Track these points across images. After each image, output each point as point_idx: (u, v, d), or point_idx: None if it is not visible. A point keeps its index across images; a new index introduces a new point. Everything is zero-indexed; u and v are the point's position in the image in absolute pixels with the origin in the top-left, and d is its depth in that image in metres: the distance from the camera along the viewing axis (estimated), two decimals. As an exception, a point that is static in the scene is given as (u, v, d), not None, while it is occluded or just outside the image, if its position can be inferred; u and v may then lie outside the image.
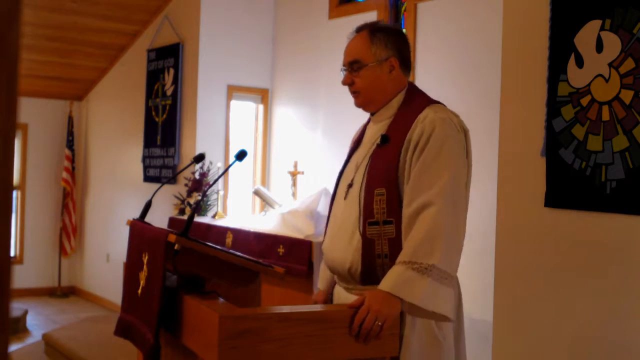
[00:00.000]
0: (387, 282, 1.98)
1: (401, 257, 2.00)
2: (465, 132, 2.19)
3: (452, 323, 2.18)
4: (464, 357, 2.29)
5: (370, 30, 2.26)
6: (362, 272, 2.15)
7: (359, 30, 2.29)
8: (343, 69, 2.30)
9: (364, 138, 2.35)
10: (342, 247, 2.21)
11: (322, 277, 2.45)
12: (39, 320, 6.88)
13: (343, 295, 2.24)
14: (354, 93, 2.29)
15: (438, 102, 2.26)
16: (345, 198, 2.26)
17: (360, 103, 2.31)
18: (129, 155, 7.11)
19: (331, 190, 2.48)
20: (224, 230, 4.84)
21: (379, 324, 1.91)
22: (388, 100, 2.27)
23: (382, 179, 2.14)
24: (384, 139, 2.20)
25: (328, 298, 2.40)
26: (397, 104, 2.26)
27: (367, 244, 2.13)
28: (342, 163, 2.42)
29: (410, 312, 2.02)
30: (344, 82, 2.29)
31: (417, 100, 2.24)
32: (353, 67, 2.25)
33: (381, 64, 2.23)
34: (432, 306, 1.96)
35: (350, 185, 2.25)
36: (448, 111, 2.20)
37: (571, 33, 2.75)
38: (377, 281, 2.06)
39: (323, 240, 2.38)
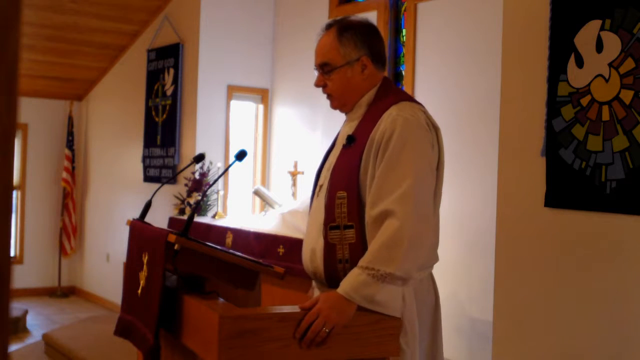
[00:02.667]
0: (343, 285, 1.95)
1: (361, 261, 1.97)
2: (435, 129, 2.13)
3: (422, 332, 2.14)
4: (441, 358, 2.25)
5: (338, 29, 2.17)
6: (326, 277, 2.12)
7: (328, 27, 2.21)
8: (315, 69, 2.23)
9: (337, 138, 2.31)
10: (309, 250, 2.19)
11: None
12: (39, 320, 6.87)
13: None
14: (328, 96, 2.23)
15: (408, 99, 2.19)
16: (317, 200, 2.23)
17: (336, 106, 2.26)
18: (129, 155, 7.11)
19: None
20: (224, 230, 4.84)
21: (326, 330, 1.87)
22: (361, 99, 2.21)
23: (343, 182, 2.09)
24: (350, 139, 2.14)
25: None
26: (367, 103, 2.19)
27: (329, 249, 2.09)
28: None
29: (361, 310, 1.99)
30: (316, 84, 2.23)
31: (385, 99, 2.16)
32: (324, 69, 2.19)
33: (352, 65, 2.16)
34: (380, 308, 1.95)
35: (321, 187, 2.21)
36: (415, 108, 2.12)
37: (571, 33, 2.75)
38: None
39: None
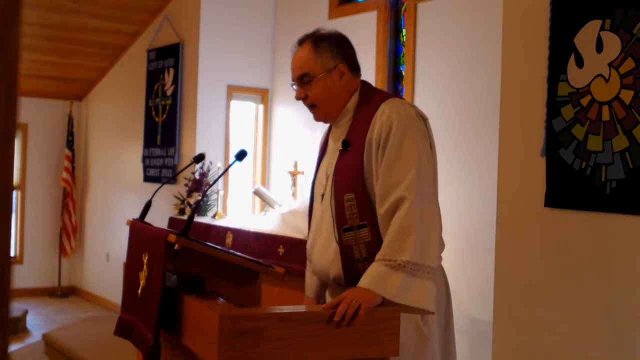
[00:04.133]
0: (364, 280, 2.00)
1: (377, 255, 2.03)
2: (424, 120, 2.20)
3: (438, 318, 2.19)
4: (454, 352, 2.30)
5: (312, 41, 2.26)
6: (346, 279, 2.16)
7: (301, 42, 2.29)
8: (293, 84, 2.30)
9: (328, 145, 2.36)
10: (323, 256, 2.23)
11: (308, 285, 2.46)
12: (39, 320, 6.87)
13: None
14: (311, 107, 2.29)
15: (394, 96, 2.27)
16: (321, 207, 2.28)
17: (320, 117, 2.31)
18: (129, 155, 7.11)
19: None
20: (224, 230, 4.84)
21: (355, 304, 1.88)
22: (345, 106, 2.27)
23: (348, 184, 2.14)
24: (345, 144, 2.20)
25: (317, 304, 2.40)
26: (353, 107, 2.26)
27: (345, 251, 2.14)
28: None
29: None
30: (297, 97, 2.29)
31: (371, 99, 2.24)
32: (303, 80, 2.25)
33: (330, 72, 2.23)
34: (407, 300, 1.96)
35: (323, 195, 2.26)
36: (404, 103, 2.22)
37: (571, 33, 2.75)
38: None
39: (307, 246, 2.40)
